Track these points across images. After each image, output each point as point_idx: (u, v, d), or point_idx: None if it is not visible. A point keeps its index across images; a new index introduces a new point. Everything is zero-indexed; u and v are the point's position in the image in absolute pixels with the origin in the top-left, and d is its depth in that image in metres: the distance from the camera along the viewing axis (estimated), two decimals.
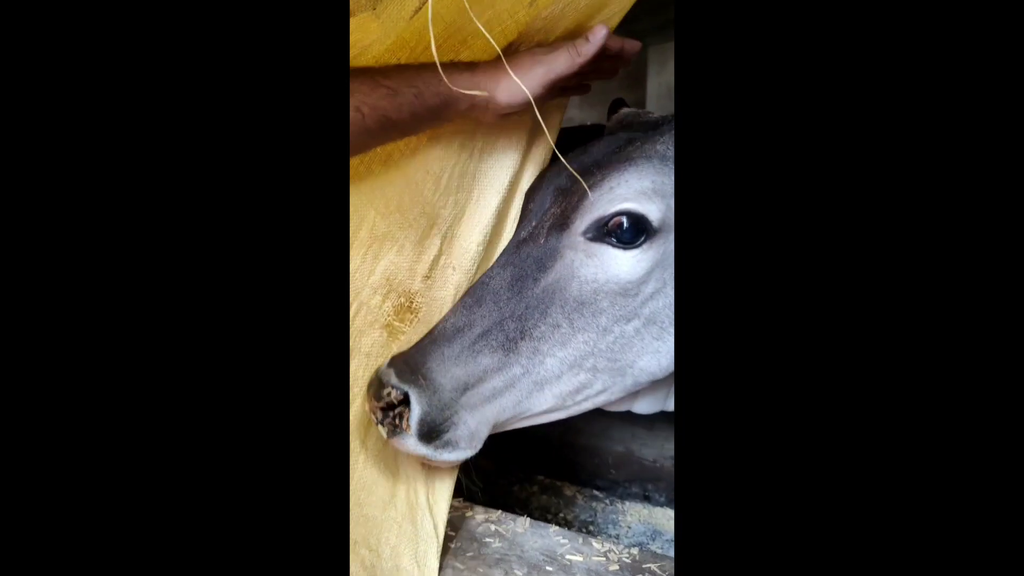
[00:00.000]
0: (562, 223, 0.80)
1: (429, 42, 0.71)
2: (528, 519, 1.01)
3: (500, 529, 0.97)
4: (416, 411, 0.75)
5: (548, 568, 0.86)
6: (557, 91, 0.81)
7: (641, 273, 0.76)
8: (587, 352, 0.78)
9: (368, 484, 0.88)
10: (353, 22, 0.66)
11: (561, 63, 0.76)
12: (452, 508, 1.05)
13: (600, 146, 0.88)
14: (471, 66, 0.76)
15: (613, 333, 0.77)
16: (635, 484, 1.60)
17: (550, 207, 0.84)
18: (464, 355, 0.77)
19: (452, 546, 0.91)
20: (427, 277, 0.91)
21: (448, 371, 0.76)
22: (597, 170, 0.80)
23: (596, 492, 1.60)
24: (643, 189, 0.76)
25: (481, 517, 1.01)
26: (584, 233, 0.78)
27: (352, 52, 0.70)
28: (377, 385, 0.78)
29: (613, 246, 0.76)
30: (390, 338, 0.88)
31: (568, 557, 0.89)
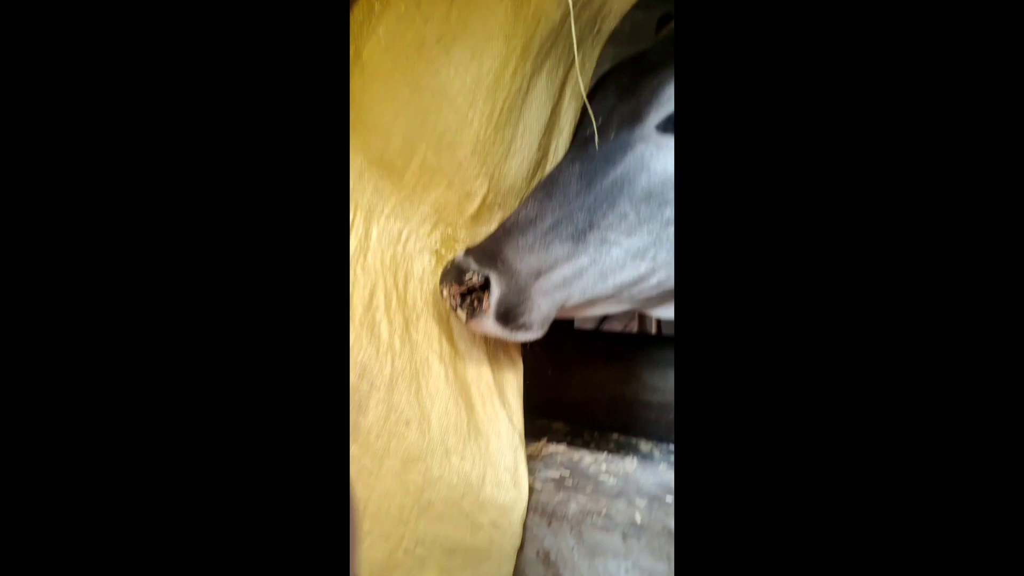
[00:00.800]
0: (634, 117, 0.84)
1: None
2: (636, 459, 1.04)
3: (610, 468, 1.00)
4: (496, 292, 0.79)
5: (668, 499, 0.89)
6: None
7: None
8: (650, 243, 0.82)
9: (452, 396, 0.90)
10: None
11: None
12: (558, 452, 1.09)
13: (655, 52, 0.92)
14: None
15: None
16: None
17: (616, 105, 0.88)
18: (537, 245, 0.81)
19: (569, 484, 0.94)
20: (474, 217, 0.94)
21: (523, 258, 0.81)
22: (662, 70, 0.85)
23: (672, 447, 1.63)
24: None
25: (589, 459, 1.04)
26: (657, 126, 0.82)
27: None
28: (456, 272, 0.81)
29: None
30: (438, 265, 0.91)
31: None
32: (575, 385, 1.74)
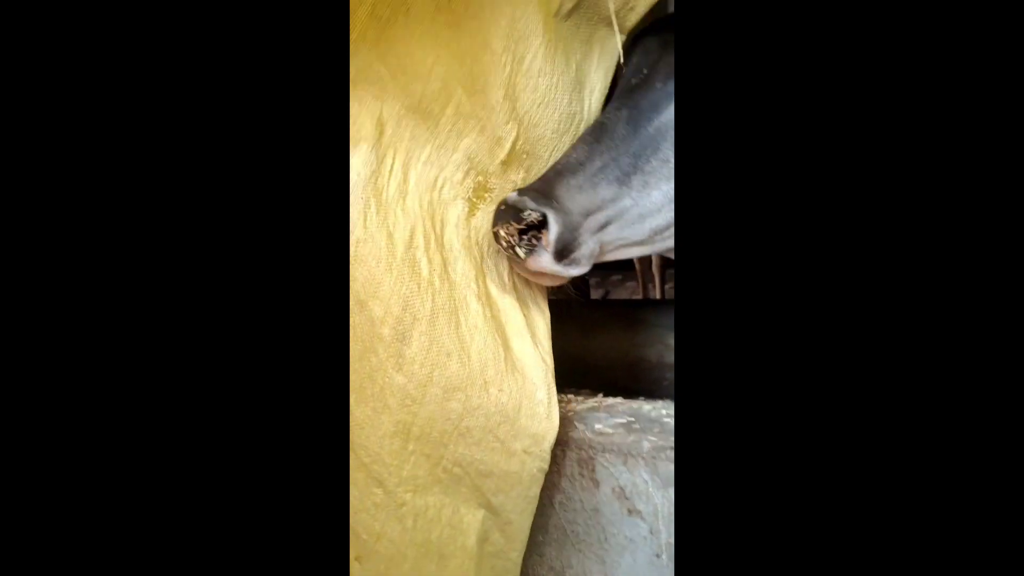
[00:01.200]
0: None
1: None
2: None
3: (671, 412, 1.09)
4: (554, 229, 0.84)
5: None
6: None
7: None
8: None
9: (490, 332, 0.95)
10: None
11: None
12: (618, 402, 1.19)
13: None
14: None
15: None
16: None
17: (662, 56, 0.94)
18: (586, 186, 0.87)
19: (637, 427, 1.02)
20: (504, 163, 0.96)
21: (574, 198, 0.87)
22: None
23: None
24: None
25: (648, 407, 1.12)
26: None
27: None
28: (513, 211, 0.85)
29: None
30: (470, 213, 0.95)
31: None
32: (598, 353, 1.81)
